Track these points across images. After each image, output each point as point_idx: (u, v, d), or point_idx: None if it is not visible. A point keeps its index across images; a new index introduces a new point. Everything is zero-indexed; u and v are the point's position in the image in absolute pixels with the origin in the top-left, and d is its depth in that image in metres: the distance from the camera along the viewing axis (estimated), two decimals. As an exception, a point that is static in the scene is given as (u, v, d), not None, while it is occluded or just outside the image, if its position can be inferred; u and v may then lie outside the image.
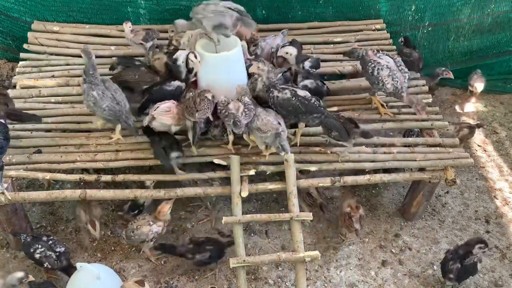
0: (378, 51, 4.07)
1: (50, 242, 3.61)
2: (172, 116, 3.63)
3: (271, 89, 3.61)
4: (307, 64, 4.16)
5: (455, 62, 5.67)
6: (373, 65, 3.91)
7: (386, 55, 3.99)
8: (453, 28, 5.40)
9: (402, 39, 4.92)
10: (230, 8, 3.73)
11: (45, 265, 3.56)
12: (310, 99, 3.59)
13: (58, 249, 3.59)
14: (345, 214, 3.93)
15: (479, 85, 5.43)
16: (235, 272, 3.60)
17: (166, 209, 3.77)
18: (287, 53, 3.95)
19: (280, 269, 3.93)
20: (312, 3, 5.12)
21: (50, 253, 3.56)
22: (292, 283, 3.81)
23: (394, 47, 4.88)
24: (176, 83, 3.80)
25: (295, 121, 3.77)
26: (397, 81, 3.84)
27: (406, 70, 3.93)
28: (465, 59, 5.66)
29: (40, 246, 3.56)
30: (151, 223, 3.75)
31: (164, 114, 3.61)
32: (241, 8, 3.80)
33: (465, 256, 3.58)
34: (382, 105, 4.23)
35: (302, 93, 3.61)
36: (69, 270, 3.57)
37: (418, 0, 5.14)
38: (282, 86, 3.65)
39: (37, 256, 3.56)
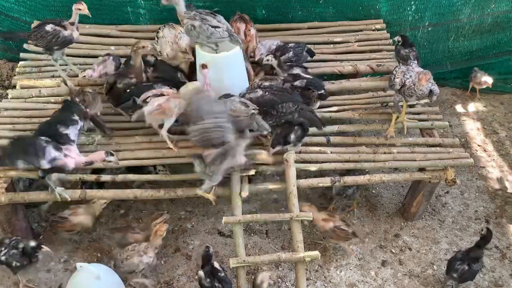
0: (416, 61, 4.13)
1: (13, 242, 3.53)
2: (162, 111, 3.57)
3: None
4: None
5: (455, 62, 5.66)
6: (400, 64, 3.99)
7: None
8: (453, 28, 5.40)
9: (399, 38, 4.60)
10: (223, 23, 3.77)
11: (13, 264, 3.48)
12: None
13: (20, 245, 3.51)
14: (333, 230, 3.75)
15: (488, 79, 5.40)
16: (235, 272, 3.60)
17: (163, 228, 3.67)
18: (268, 60, 4.19)
19: (280, 269, 3.93)
20: (312, 3, 5.12)
21: (14, 251, 3.48)
22: (292, 283, 3.80)
23: (393, 47, 4.86)
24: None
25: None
26: (406, 81, 3.70)
27: (422, 91, 3.72)
28: (465, 59, 5.65)
29: (3, 249, 3.49)
30: (142, 253, 3.63)
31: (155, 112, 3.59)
32: (230, 27, 3.88)
33: (474, 260, 3.60)
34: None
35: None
36: (33, 256, 3.51)
37: (418, 0, 5.14)
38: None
39: (3, 259, 3.48)
